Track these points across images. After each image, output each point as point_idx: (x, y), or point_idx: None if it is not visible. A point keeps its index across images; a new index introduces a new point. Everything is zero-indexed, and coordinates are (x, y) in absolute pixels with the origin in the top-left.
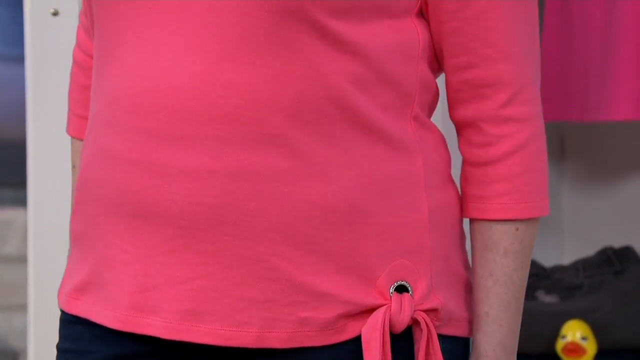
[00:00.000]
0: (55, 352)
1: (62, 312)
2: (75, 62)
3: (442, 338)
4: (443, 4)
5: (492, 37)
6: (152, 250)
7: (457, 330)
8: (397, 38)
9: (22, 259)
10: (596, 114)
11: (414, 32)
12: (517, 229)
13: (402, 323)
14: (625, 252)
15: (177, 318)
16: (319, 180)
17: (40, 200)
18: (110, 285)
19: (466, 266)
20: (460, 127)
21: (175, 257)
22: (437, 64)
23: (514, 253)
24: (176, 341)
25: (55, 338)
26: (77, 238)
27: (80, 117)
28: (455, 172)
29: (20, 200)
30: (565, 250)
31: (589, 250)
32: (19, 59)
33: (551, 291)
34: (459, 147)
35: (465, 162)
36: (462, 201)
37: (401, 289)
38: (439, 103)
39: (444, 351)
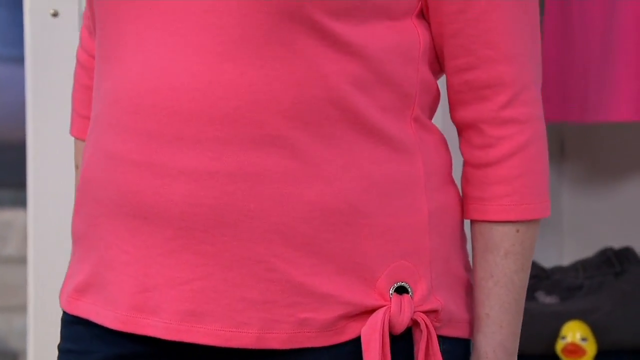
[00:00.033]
0: (54, 352)
1: (64, 312)
2: (79, 63)
3: (442, 339)
4: (443, 6)
5: (493, 39)
6: (152, 251)
7: (458, 331)
8: (397, 39)
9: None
10: (596, 115)
11: (414, 34)
12: (517, 231)
13: (401, 324)
14: (625, 253)
15: (177, 319)
16: (318, 181)
17: (40, 201)
18: (110, 286)
19: (467, 267)
20: (461, 129)
21: (175, 258)
22: (438, 65)
23: (515, 254)
24: (176, 342)
25: (55, 339)
26: (79, 238)
27: (84, 118)
28: (457, 174)
29: (20, 201)
30: (565, 251)
31: (588, 251)
32: (19, 59)
33: (551, 292)
34: (460, 149)
35: (466, 164)
36: (463, 202)
37: (401, 290)
38: (439, 104)
39: (444, 352)
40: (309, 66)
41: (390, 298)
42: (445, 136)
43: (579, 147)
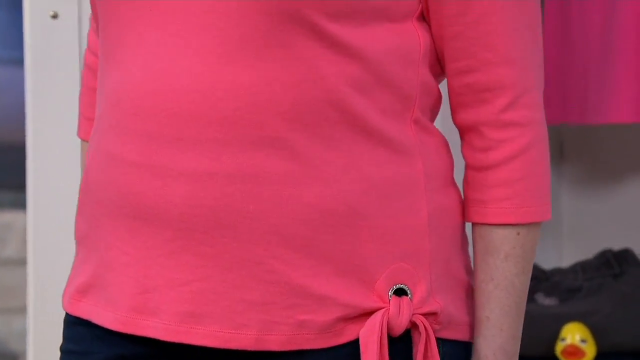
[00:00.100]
0: (54, 354)
1: (66, 313)
2: (86, 65)
3: (442, 342)
4: (443, 8)
5: (493, 41)
6: (152, 252)
7: (458, 334)
8: (397, 41)
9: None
10: (595, 117)
11: (414, 36)
12: (518, 234)
13: (400, 326)
14: (624, 255)
15: (176, 320)
16: (318, 183)
17: (40, 203)
18: (111, 287)
19: (468, 270)
20: (463, 132)
21: (174, 259)
22: (439, 67)
23: (515, 257)
24: (176, 343)
25: (54, 340)
26: (81, 239)
27: (90, 120)
28: (459, 176)
29: (20, 203)
30: (564, 253)
31: (588, 252)
32: (19, 61)
33: (550, 294)
34: (462, 151)
35: (467, 166)
36: (464, 205)
37: (400, 292)
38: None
39: (444, 355)
40: (309, 68)
41: (389, 300)
42: (446, 138)
43: (579, 148)
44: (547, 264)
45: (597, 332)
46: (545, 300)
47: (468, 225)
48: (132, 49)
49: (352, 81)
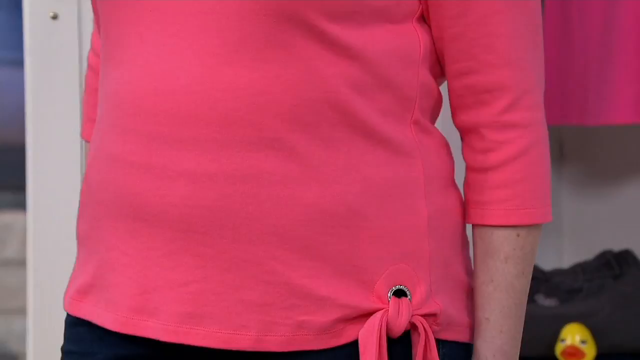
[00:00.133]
0: (54, 355)
1: (67, 314)
2: (90, 67)
3: (442, 343)
4: (443, 10)
5: (493, 43)
6: (152, 253)
7: (458, 335)
8: (397, 43)
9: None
10: (595, 118)
11: (414, 37)
12: (518, 235)
13: (399, 327)
14: (624, 256)
15: (175, 320)
16: (317, 183)
17: (40, 203)
18: (111, 288)
19: (468, 271)
20: (463, 133)
21: (174, 260)
22: (439, 68)
23: (515, 259)
24: (175, 343)
25: (54, 341)
26: (82, 240)
27: (94, 121)
28: (460, 178)
29: (20, 204)
30: (564, 254)
31: (588, 253)
32: (19, 62)
33: (550, 294)
34: (462, 153)
35: (467, 168)
36: (465, 206)
37: (399, 294)
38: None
39: (443, 356)
40: (308, 69)
41: (389, 301)
42: (447, 140)
43: (579, 149)
44: (547, 265)
45: (597, 333)
46: (545, 301)
47: (469, 227)
48: (133, 49)
49: (351, 82)
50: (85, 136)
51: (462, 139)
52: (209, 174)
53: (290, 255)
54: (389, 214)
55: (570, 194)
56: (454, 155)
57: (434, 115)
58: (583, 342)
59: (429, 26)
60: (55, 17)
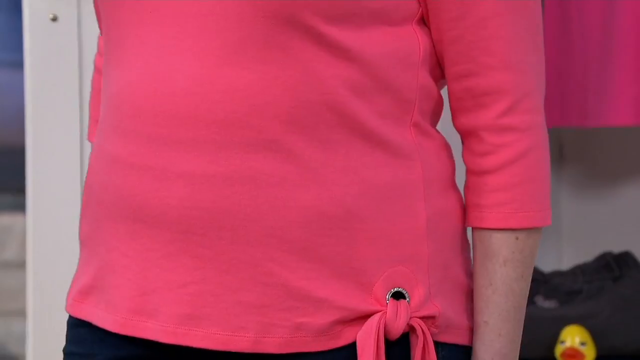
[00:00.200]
0: (53, 357)
1: (69, 315)
2: (96, 69)
3: (441, 345)
4: (443, 12)
5: (492, 46)
6: (152, 254)
7: (457, 338)
8: (396, 45)
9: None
10: (595, 120)
11: (414, 39)
12: (517, 239)
13: (397, 329)
14: (624, 258)
15: (174, 322)
16: (315, 185)
17: (40, 205)
18: (111, 289)
19: (468, 274)
20: (463, 136)
21: (173, 261)
22: (439, 71)
23: (514, 262)
24: (174, 345)
25: (54, 343)
26: (84, 241)
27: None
28: (461, 180)
29: (20, 206)
30: (564, 256)
31: (587, 255)
32: (18, 64)
33: (550, 296)
34: (462, 156)
35: (467, 171)
36: (465, 209)
37: (398, 296)
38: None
39: (442, 359)
40: (306, 70)
41: (387, 303)
42: (449, 142)
43: (578, 151)
44: (547, 267)
45: (596, 335)
46: (545, 303)
47: (470, 229)
48: (133, 51)
49: (350, 84)
50: (91, 138)
51: (462, 142)
52: (207, 175)
53: (288, 257)
54: (388, 216)
55: (570, 195)
56: (455, 158)
57: (434, 117)
58: (583, 343)
59: (429, 29)
60: (55, 19)
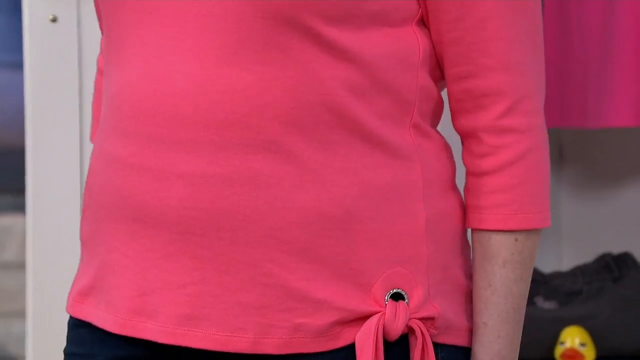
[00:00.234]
0: (53, 357)
1: (70, 315)
2: (99, 70)
3: (440, 347)
4: (442, 14)
5: (491, 47)
6: (151, 255)
7: (457, 339)
8: (395, 46)
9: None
10: (595, 120)
11: (414, 40)
12: (516, 240)
13: (396, 330)
14: (624, 259)
15: (174, 322)
16: (314, 186)
17: (40, 206)
18: (111, 289)
19: (467, 275)
20: (463, 138)
21: (172, 262)
22: (439, 72)
23: (513, 264)
24: (174, 345)
25: (53, 344)
26: (85, 242)
27: None
28: (462, 182)
29: (19, 207)
30: (564, 256)
31: (587, 256)
32: (18, 65)
33: (550, 297)
34: (462, 157)
35: (467, 172)
36: (465, 210)
37: (397, 297)
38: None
39: None
40: (306, 71)
41: (386, 304)
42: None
43: (578, 152)
44: (547, 268)
45: (596, 336)
46: (544, 304)
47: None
48: (133, 51)
49: (349, 85)
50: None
51: (462, 143)
52: (207, 176)
53: (287, 258)
54: (387, 217)
55: (569, 196)
56: (456, 159)
57: (434, 118)
58: (582, 344)
59: (429, 30)
60: (54, 20)
